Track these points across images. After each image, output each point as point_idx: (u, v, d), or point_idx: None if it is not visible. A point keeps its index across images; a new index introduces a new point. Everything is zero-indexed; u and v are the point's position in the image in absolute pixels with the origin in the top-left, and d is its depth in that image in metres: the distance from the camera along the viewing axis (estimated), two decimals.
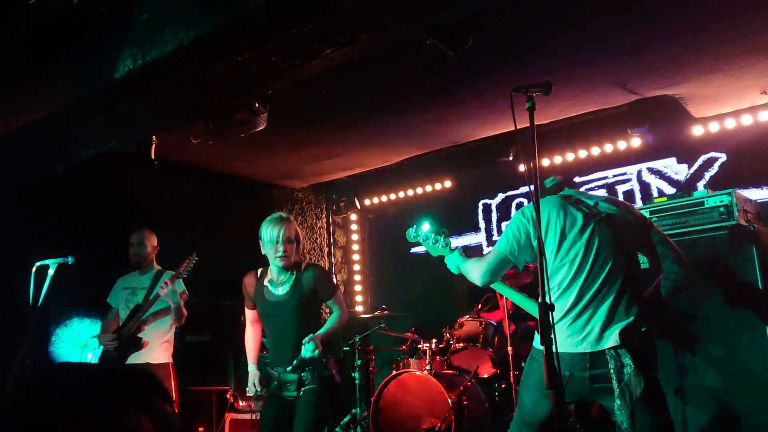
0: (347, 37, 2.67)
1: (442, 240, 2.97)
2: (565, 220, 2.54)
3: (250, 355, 3.52)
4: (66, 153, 3.94)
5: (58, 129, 3.56)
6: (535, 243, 2.45)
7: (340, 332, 3.50)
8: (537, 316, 2.20)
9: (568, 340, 2.44)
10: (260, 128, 3.86)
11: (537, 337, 2.47)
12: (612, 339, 2.36)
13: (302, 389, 3.22)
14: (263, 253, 3.42)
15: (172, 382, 4.39)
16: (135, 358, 4.26)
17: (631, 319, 2.39)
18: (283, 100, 4.01)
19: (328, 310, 3.49)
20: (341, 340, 6.25)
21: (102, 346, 4.35)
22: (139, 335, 4.30)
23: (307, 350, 3.14)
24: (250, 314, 3.58)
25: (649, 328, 2.42)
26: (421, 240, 3.05)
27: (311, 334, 3.19)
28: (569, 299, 2.47)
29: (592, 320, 2.42)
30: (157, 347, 4.34)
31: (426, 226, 3.07)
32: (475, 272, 2.71)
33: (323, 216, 7.58)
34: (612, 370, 2.30)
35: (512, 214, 6.24)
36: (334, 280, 3.60)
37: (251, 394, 3.41)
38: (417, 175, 7.13)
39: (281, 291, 3.36)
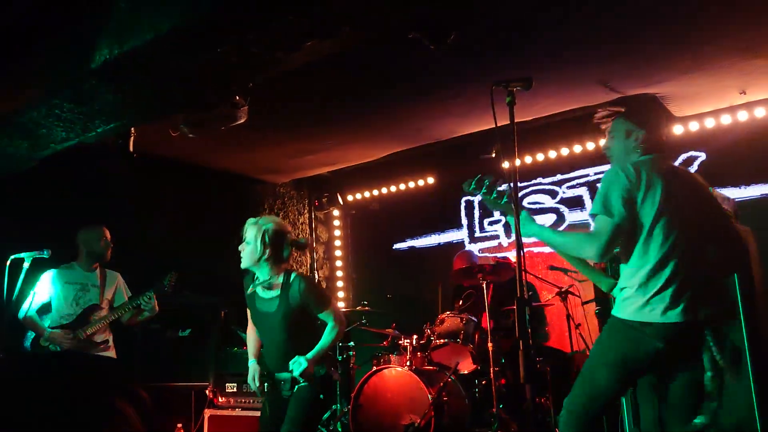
0: (329, 29, 2.65)
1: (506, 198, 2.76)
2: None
3: (251, 349, 3.43)
4: (41, 144, 3.86)
5: (33, 120, 3.49)
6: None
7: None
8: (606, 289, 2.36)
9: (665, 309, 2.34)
10: (241, 122, 3.82)
11: (622, 306, 2.41)
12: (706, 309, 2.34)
13: (297, 386, 3.18)
14: None
15: None
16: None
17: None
18: (264, 94, 3.97)
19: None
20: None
21: (59, 344, 4.16)
22: (97, 337, 4.21)
23: (296, 372, 3.08)
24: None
25: None
26: (484, 194, 2.81)
27: (300, 358, 3.09)
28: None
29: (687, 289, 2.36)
30: (112, 346, 4.34)
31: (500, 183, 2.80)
32: (590, 248, 2.41)
33: (305, 211, 7.54)
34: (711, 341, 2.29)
35: (496, 212, 6.28)
36: (323, 290, 3.46)
37: (252, 390, 3.36)
38: (400, 172, 7.12)
39: (270, 305, 3.24)
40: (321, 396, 3.20)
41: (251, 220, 3.27)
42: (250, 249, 3.19)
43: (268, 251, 3.17)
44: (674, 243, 2.37)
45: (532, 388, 1.90)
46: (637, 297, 2.36)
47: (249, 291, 3.33)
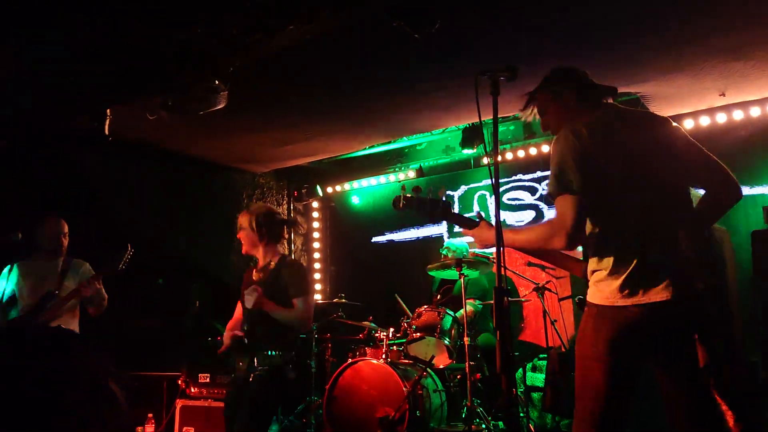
0: (308, 13, 2.60)
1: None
2: None
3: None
4: (11, 124, 3.75)
5: (3, 97, 3.38)
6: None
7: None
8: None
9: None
10: (220, 106, 3.75)
11: (596, 291, 2.14)
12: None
13: (253, 374, 3.23)
14: None
15: None
16: None
17: None
18: (244, 80, 3.89)
19: None
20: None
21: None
22: (53, 325, 4.07)
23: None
24: None
25: None
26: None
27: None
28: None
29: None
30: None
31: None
32: (557, 237, 2.12)
33: (284, 202, 7.48)
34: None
35: (475, 207, 6.28)
36: (308, 279, 3.51)
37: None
38: (380, 164, 7.10)
39: (258, 283, 3.41)
40: (275, 389, 3.25)
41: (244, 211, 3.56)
42: (245, 234, 3.45)
43: (262, 233, 3.42)
44: (642, 209, 2.10)
45: (509, 380, 1.88)
46: (611, 278, 2.10)
47: (247, 275, 3.55)
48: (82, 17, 2.79)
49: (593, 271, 2.20)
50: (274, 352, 3.28)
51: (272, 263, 3.45)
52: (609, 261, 2.12)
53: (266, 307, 3.24)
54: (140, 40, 2.79)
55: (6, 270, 4.25)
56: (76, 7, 2.80)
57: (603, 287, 2.13)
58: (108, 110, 4.03)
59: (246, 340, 3.32)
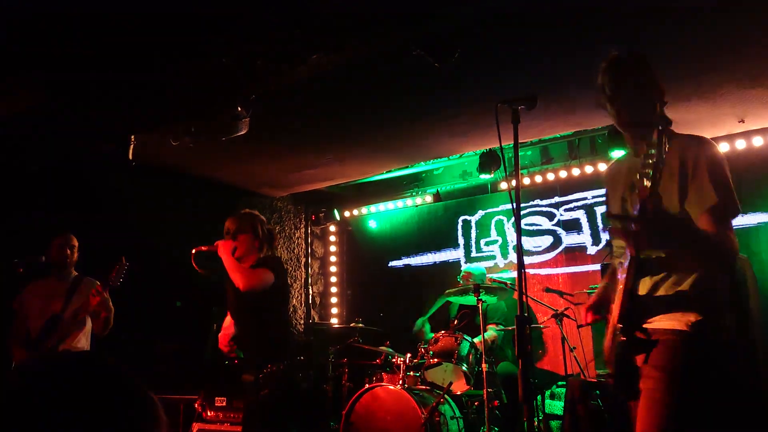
0: (333, 43, 2.66)
1: None
2: None
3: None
4: (42, 150, 3.85)
5: (33, 125, 3.48)
6: None
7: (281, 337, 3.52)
8: None
9: None
10: (242, 133, 3.81)
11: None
12: None
13: (261, 391, 3.22)
14: None
15: None
16: None
17: None
18: (266, 107, 3.97)
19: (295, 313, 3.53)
20: (316, 353, 6.18)
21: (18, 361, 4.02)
22: (60, 348, 4.00)
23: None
24: None
25: None
26: None
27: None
28: None
29: None
30: None
31: None
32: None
33: (302, 226, 7.52)
34: None
35: (492, 233, 6.28)
36: (280, 266, 3.52)
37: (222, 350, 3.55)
38: (397, 188, 7.14)
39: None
40: (288, 401, 3.24)
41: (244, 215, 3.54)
42: (247, 239, 3.43)
43: (263, 240, 3.48)
44: None
45: (530, 410, 1.87)
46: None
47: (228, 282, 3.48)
48: (111, 48, 2.88)
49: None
50: (277, 365, 3.25)
51: (254, 264, 3.43)
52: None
53: (223, 254, 3.28)
54: (167, 69, 2.87)
55: (24, 291, 4.23)
56: (106, 37, 2.89)
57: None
58: (132, 136, 4.13)
59: (235, 360, 3.42)
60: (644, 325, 1.99)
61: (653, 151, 1.91)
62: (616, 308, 2.05)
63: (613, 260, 2.33)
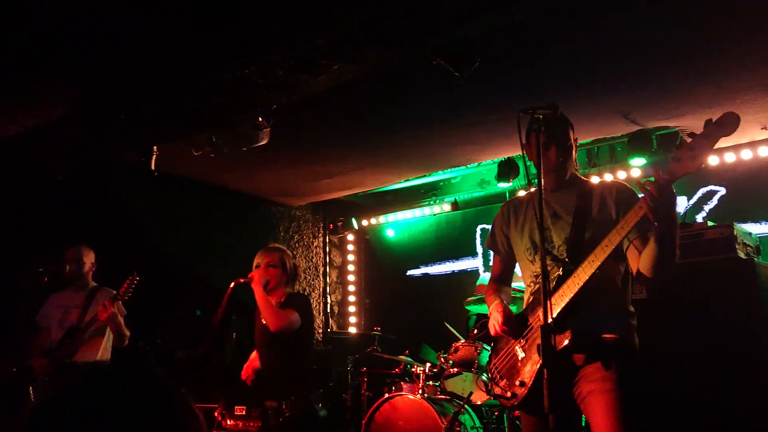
0: (354, 53, 2.68)
1: None
2: None
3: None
4: (67, 159, 3.91)
5: (59, 135, 3.53)
6: None
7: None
8: None
9: None
10: (262, 143, 3.84)
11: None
12: None
13: (282, 417, 3.27)
14: None
15: None
16: None
17: None
18: (285, 116, 4.00)
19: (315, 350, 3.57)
20: (332, 361, 6.17)
21: (39, 374, 3.98)
22: (74, 359, 4.02)
23: None
24: None
25: None
26: None
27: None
28: None
29: None
30: None
31: None
32: None
33: (320, 235, 7.54)
34: None
35: None
36: (308, 306, 3.58)
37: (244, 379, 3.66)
38: (415, 197, 7.13)
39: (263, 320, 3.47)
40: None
41: (269, 245, 3.68)
42: (277, 272, 3.52)
43: (290, 275, 3.56)
44: None
45: (557, 420, 1.86)
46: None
47: (256, 314, 3.60)
48: (137, 59, 2.92)
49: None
50: (299, 396, 3.30)
51: (282, 299, 3.54)
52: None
53: (256, 288, 3.38)
54: (190, 79, 2.90)
55: (45, 303, 4.27)
56: (131, 49, 2.93)
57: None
58: (155, 146, 4.18)
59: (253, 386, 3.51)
60: None
61: None
62: None
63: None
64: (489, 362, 2.68)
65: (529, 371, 2.34)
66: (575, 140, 2.62)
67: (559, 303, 2.28)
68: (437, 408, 4.41)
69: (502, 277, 2.85)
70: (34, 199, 4.65)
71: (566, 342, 2.23)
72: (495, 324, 2.50)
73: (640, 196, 2.10)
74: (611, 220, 2.35)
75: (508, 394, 2.44)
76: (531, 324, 2.43)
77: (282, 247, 3.76)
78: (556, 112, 2.34)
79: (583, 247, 2.35)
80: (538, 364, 2.23)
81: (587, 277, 2.22)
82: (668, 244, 2.15)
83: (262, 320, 3.50)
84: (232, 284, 3.46)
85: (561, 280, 2.34)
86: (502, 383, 2.50)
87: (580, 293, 2.24)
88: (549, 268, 2.36)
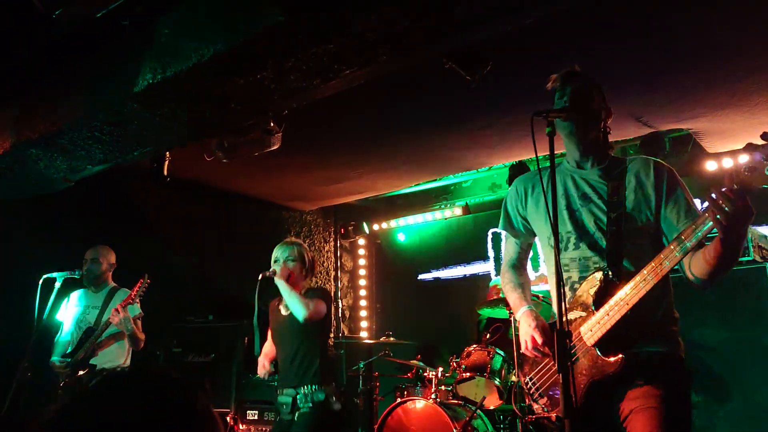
0: (366, 57, 2.68)
1: None
2: None
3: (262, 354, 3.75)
4: (79, 166, 3.93)
5: (72, 141, 3.56)
6: None
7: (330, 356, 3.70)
8: None
9: None
10: (274, 148, 3.85)
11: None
12: None
13: (297, 413, 3.29)
14: None
15: None
16: None
17: None
18: (297, 121, 4.01)
19: (333, 336, 3.60)
20: (344, 366, 6.17)
21: (58, 375, 4.06)
22: (92, 361, 4.04)
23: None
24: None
25: None
26: None
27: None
28: None
29: None
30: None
31: None
32: None
33: (331, 239, 7.55)
34: None
35: None
36: (327, 295, 3.60)
37: (260, 375, 3.73)
38: (426, 201, 7.13)
39: (288, 317, 3.51)
40: (322, 424, 3.28)
41: (287, 240, 3.74)
42: (298, 267, 3.59)
43: (309, 268, 3.63)
44: None
45: (572, 425, 1.84)
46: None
47: (274, 309, 3.66)
48: (153, 64, 2.94)
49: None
50: (314, 387, 3.32)
51: (302, 292, 3.58)
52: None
53: (280, 281, 3.43)
54: (204, 85, 2.92)
55: (63, 302, 4.32)
56: (146, 55, 2.96)
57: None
58: (167, 152, 4.20)
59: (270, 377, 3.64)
60: None
61: None
62: None
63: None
64: (522, 369, 2.46)
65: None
66: (609, 110, 2.41)
67: (605, 325, 2.09)
68: (450, 413, 4.40)
69: (520, 261, 2.64)
70: (53, 201, 4.68)
71: (616, 368, 2.07)
72: (529, 341, 2.29)
73: (705, 205, 1.91)
74: (650, 206, 2.20)
75: (553, 416, 2.27)
76: (573, 342, 2.20)
77: (299, 240, 3.82)
78: (569, 116, 2.32)
79: (622, 238, 2.17)
80: (584, 386, 2.10)
81: (637, 300, 2.03)
82: (730, 256, 1.96)
83: (283, 312, 3.56)
84: (260, 277, 3.50)
85: (603, 292, 2.13)
86: (542, 401, 2.33)
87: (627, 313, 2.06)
88: (585, 259, 2.23)
